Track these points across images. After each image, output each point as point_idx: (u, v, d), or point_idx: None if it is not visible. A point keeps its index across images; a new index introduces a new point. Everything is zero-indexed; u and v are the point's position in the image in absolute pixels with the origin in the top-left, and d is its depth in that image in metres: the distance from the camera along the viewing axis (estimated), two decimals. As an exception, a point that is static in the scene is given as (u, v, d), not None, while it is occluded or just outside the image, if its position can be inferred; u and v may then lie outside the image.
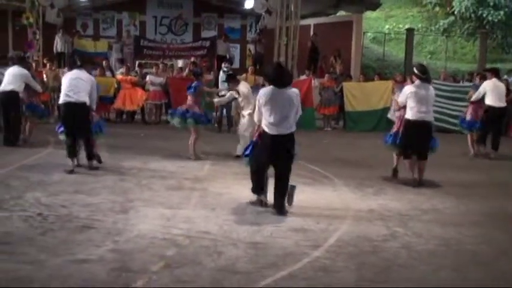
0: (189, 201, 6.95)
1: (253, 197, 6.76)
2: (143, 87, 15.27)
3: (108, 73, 15.49)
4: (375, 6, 20.04)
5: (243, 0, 21.34)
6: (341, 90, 15.66)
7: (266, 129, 6.41)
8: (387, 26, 26.69)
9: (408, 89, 8.19)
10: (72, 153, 8.48)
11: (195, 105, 9.92)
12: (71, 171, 8.30)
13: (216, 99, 10.96)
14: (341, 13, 21.78)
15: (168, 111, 15.44)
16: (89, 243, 5.14)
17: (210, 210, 6.49)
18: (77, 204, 6.48)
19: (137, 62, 17.90)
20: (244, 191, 7.50)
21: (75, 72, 8.56)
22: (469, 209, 7.04)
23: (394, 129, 8.72)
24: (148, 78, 15.30)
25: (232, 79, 10.17)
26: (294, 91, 6.51)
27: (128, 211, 6.31)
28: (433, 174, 8.67)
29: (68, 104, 8.41)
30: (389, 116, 15.23)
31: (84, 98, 8.40)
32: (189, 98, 10.01)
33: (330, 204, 7.05)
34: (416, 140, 8.19)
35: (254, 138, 6.88)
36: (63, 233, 5.43)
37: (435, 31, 25.07)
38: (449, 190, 8.02)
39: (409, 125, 8.17)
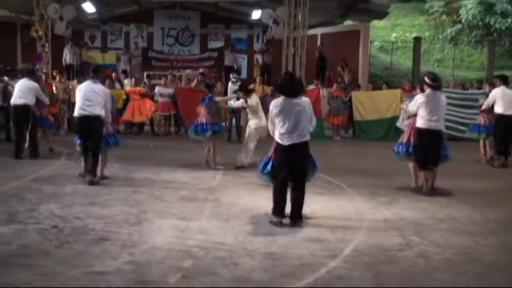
0: (203, 212, 6.95)
1: (273, 217, 6.52)
2: (152, 98, 15.33)
3: (117, 85, 15.54)
4: (382, 15, 20.04)
5: (250, 11, 21.42)
6: (350, 100, 15.68)
7: (279, 141, 6.41)
8: (394, 35, 26.71)
9: (419, 97, 8.15)
10: (85, 152, 8.54)
11: (209, 116, 9.96)
12: (82, 174, 8.51)
13: (228, 102, 10.91)
14: (348, 22, 21.80)
15: (177, 123, 15.62)
16: (105, 255, 5.14)
17: (223, 221, 6.48)
18: (92, 216, 6.49)
19: (145, 74, 17.96)
20: (257, 201, 7.55)
21: (89, 84, 8.52)
22: (485, 217, 6.98)
23: (404, 138, 8.67)
24: (157, 89, 15.36)
25: (245, 90, 10.24)
26: (305, 100, 6.50)
27: (142, 223, 6.31)
28: (447, 182, 8.63)
29: (82, 118, 8.43)
30: (398, 124, 15.25)
31: (98, 111, 8.39)
32: (203, 109, 10.04)
33: (345, 214, 7.03)
34: (427, 148, 8.16)
35: (270, 154, 6.86)
36: (79, 245, 5.43)
37: (442, 39, 25.06)
38: (464, 198, 7.97)
39: (420, 134, 8.14)
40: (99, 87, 8.56)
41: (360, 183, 8.91)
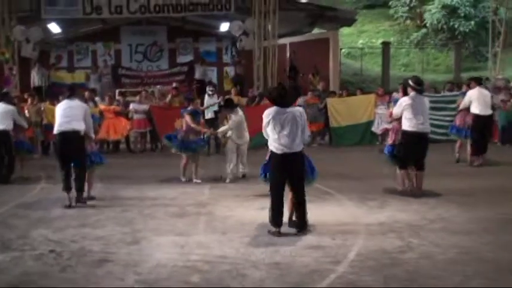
0: (197, 226, 6.92)
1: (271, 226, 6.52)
2: (126, 116, 15.19)
3: (91, 104, 15.30)
4: (350, 22, 20.30)
5: (218, 23, 21.46)
6: (325, 106, 15.80)
7: (273, 149, 6.45)
8: (360, 41, 27.07)
9: (404, 100, 8.28)
10: (68, 186, 8.31)
11: (186, 131, 9.93)
12: (69, 206, 8.17)
13: (219, 129, 10.64)
14: (316, 31, 22.02)
15: (153, 139, 15.49)
16: (111, 276, 5.06)
17: (221, 234, 6.45)
18: (87, 238, 6.38)
19: (117, 91, 17.77)
20: (249, 213, 7.57)
21: (66, 102, 8.45)
22: (475, 216, 7.09)
23: (390, 141, 8.80)
24: (131, 106, 15.23)
25: (230, 105, 10.17)
26: (297, 109, 6.55)
27: (139, 241, 6.23)
28: (431, 183, 8.70)
29: (61, 134, 8.27)
30: (373, 129, 15.52)
31: (77, 126, 8.25)
32: (182, 123, 10.03)
33: (339, 219, 7.08)
34: (413, 151, 8.28)
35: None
36: (82, 268, 5.33)
37: (409, 44, 25.54)
38: (451, 198, 8.10)
39: (406, 136, 8.25)
40: (76, 103, 8.47)
41: (346, 189, 8.97)
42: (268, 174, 6.72)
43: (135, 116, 15.05)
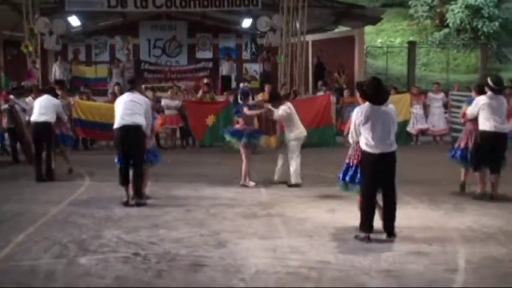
0: (277, 229, 6.59)
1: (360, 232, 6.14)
2: (158, 111, 14.82)
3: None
4: (375, 20, 20.00)
5: (238, 19, 21.14)
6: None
7: (368, 150, 6.06)
8: (379, 40, 26.81)
9: (481, 99, 7.96)
10: (125, 180, 7.99)
11: (247, 126, 9.47)
12: (126, 203, 7.86)
13: (273, 110, 9.91)
14: (340, 28, 21.74)
15: (184, 136, 15.15)
16: (215, 283, 4.74)
17: (307, 238, 6.13)
18: (166, 240, 6.05)
19: (143, 86, 17.37)
20: (322, 215, 7.26)
21: (129, 95, 8.11)
22: None
23: (462, 143, 8.45)
24: (163, 102, 14.88)
25: (277, 99, 9.74)
26: (391, 107, 6.19)
27: (225, 244, 5.89)
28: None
29: (123, 127, 7.91)
30: (408, 129, 15.24)
31: (139, 120, 7.92)
32: (240, 120, 9.59)
33: (422, 223, 6.77)
34: (491, 152, 7.95)
35: (347, 161, 6.44)
36: (178, 273, 5.00)
37: (430, 43, 25.27)
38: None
39: (486, 136, 7.91)
40: (139, 97, 8.16)
41: (410, 191, 8.52)
42: (349, 177, 6.34)
43: (167, 112, 14.69)
